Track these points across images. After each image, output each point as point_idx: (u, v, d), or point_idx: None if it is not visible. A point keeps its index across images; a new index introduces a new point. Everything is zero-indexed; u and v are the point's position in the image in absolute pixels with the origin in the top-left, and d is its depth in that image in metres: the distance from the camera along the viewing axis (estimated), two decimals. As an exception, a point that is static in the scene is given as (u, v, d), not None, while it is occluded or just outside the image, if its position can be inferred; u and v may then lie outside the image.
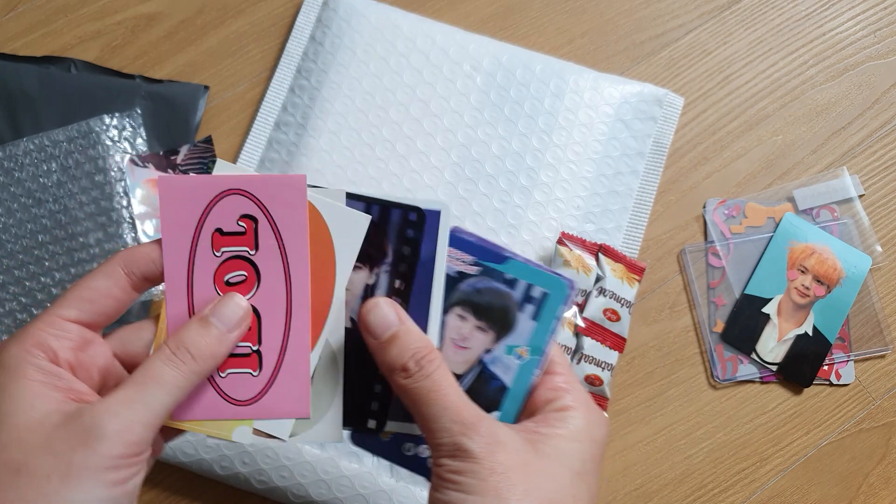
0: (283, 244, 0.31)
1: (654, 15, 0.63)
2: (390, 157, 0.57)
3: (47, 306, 0.33)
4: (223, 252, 0.31)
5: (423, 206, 0.32)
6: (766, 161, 0.60)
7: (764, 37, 0.62)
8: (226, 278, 0.32)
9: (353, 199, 0.32)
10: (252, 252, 0.32)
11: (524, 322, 0.33)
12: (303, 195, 0.31)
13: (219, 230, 0.31)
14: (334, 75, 0.58)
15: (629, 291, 0.55)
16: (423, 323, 0.32)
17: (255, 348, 0.32)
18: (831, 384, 0.56)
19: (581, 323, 0.53)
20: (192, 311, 0.32)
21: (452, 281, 0.33)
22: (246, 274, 0.32)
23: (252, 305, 0.32)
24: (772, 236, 0.57)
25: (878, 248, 0.58)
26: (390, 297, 0.32)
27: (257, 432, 0.32)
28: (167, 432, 0.33)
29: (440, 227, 0.33)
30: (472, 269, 0.33)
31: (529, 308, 0.34)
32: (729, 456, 0.55)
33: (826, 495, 0.54)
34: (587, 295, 0.54)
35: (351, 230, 0.32)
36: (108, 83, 0.59)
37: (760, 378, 0.56)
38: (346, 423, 0.33)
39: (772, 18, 0.63)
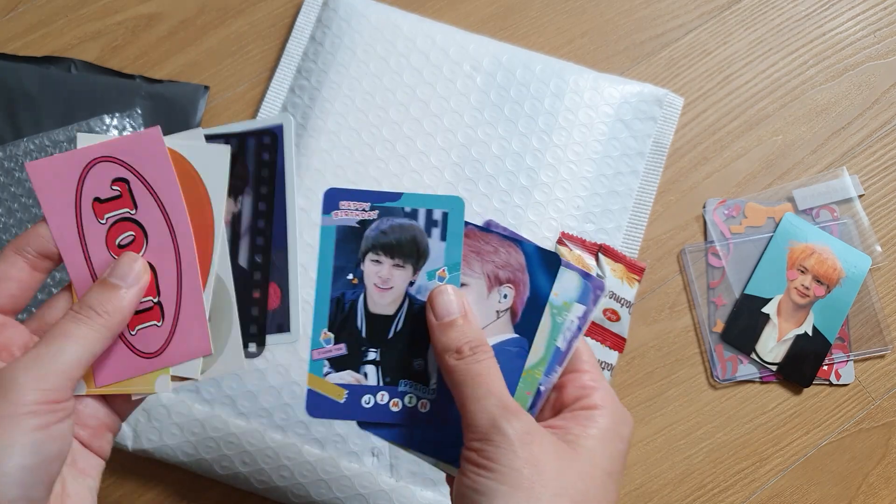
0: (157, 196, 0.33)
1: (654, 15, 0.63)
2: (390, 157, 0.57)
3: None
4: (107, 218, 0.33)
5: (271, 124, 0.33)
6: (766, 161, 0.60)
7: (764, 37, 0.62)
8: (117, 241, 0.33)
9: (210, 138, 0.33)
10: (133, 212, 0.33)
11: (435, 245, 0.34)
12: (161, 146, 0.33)
13: (97, 199, 0.33)
14: (334, 75, 0.58)
15: (629, 291, 0.55)
16: (283, 234, 0.33)
17: (156, 300, 0.33)
18: (831, 384, 0.56)
19: (581, 323, 0.53)
20: (94, 279, 0.33)
21: (356, 231, 0.34)
22: (133, 233, 0.33)
23: (147, 262, 0.33)
24: (772, 236, 0.57)
25: (878, 248, 0.58)
26: (255, 221, 0.33)
27: (174, 378, 0.33)
28: (113, 403, 0.34)
29: (284, 139, 0.33)
30: (372, 214, 0.34)
31: (436, 231, 0.34)
32: (729, 456, 0.55)
33: (826, 495, 0.54)
34: (587, 295, 0.54)
35: (216, 164, 0.33)
36: (108, 83, 0.59)
37: (760, 378, 0.56)
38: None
39: (772, 18, 0.63)
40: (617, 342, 0.54)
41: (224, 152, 0.33)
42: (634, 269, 0.55)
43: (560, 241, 0.54)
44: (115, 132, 0.57)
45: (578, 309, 0.35)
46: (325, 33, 0.60)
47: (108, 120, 0.57)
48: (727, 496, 0.54)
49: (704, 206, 0.59)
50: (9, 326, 0.32)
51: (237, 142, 0.33)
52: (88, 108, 0.57)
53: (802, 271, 0.56)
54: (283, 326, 0.33)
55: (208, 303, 0.33)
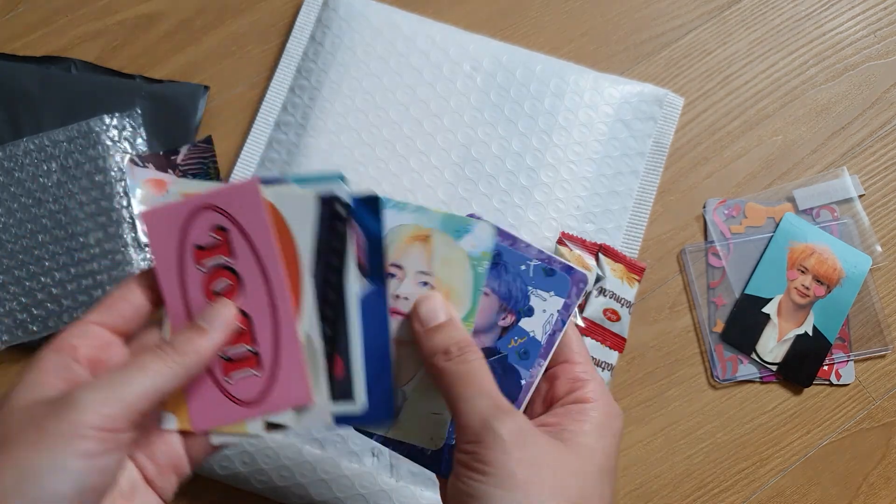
0: (254, 246, 0.33)
1: (655, 15, 0.63)
2: (390, 157, 0.57)
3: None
4: (206, 265, 0.34)
5: (354, 195, 0.33)
6: (767, 161, 0.60)
7: (764, 37, 0.62)
8: (213, 289, 0.34)
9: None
10: (231, 260, 0.33)
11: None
12: (258, 196, 0.33)
13: (198, 246, 0.34)
14: (334, 75, 0.58)
15: (629, 291, 0.55)
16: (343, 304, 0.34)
17: (253, 350, 0.33)
18: (831, 384, 0.56)
19: (581, 323, 0.53)
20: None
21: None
22: (230, 282, 0.33)
23: (242, 310, 0.33)
24: (772, 236, 0.57)
25: (878, 248, 0.58)
26: (325, 291, 0.34)
27: (269, 426, 0.34)
28: (191, 448, 0.34)
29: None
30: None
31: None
32: (729, 456, 0.55)
33: (826, 495, 0.54)
34: (587, 295, 0.54)
35: (302, 212, 0.33)
36: (108, 83, 0.59)
37: (760, 378, 0.56)
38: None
39: (772, 18, 0.63)
40: (617, 342, 0.54)
41: (309, 199, 0.33)
42: (634, 269, 0.55)
43: (560, 241, 0.54)
44: (114, 132, 0.57)
45: (557, 302, 0.35)
46: (325, 33, 0.60)
47: (108, 120, 0.57)
48: (727, 496, 0.54)
49: (704, 206, 0.59)
50: (114, 346, 0.32)
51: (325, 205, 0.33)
52: (88, 108, 0.57)
53: (803, 271, 0.56)
54: (347, 394, 0.33)
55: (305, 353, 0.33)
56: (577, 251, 0.54)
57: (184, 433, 0.33)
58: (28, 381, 0.30)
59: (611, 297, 0.54)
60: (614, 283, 0.54)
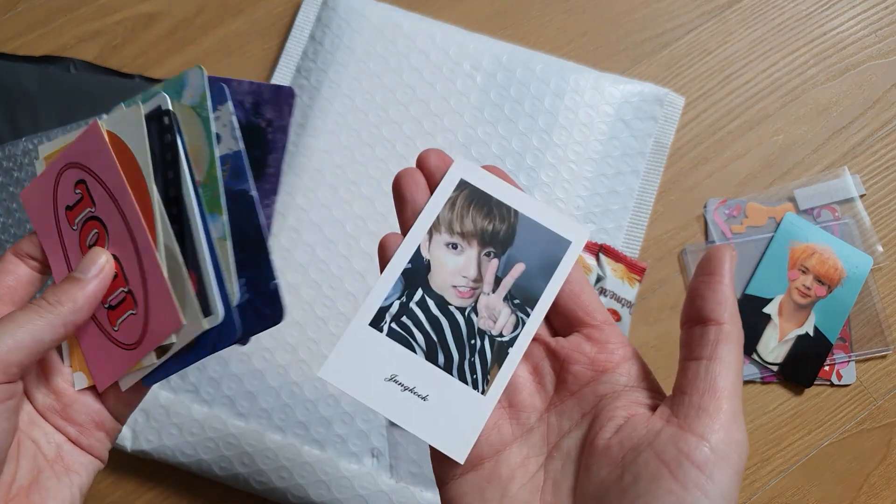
0: (107, 187, 0.33)
1: (655, 14, 0.63)
2: (390, 156, 0.57)
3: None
4: (77, 222, 0.34)
5: (164, 106, 0.32)
6: (767, 161, 0.60)
7: (765, 36, 0.62)
8: (87, 242, 0.34)
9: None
10: (93, 209, 0.33)
11: None
12: (101, 137, 0.33)
13: (67, 206, 0.34)
14: (334, 75, 0.58)
15: (630, 291, 0.54)
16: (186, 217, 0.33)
17: (126, 290, 0.33)
18: (832, 384, 0.56)
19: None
20: None
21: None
22: (97, 230, 0.34)
23: (113, 254, 0.33)
24: (773, 236, 0.57)
25: (880, 248, 0.58)
26: (169, 209, 0.33)
27: (157, 351, 0.33)
28: (106, 402, 0.34)
29: (178, 120, 0.33)
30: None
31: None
32: (730, 456, 0.55)
33: (827, 495, 0.54)
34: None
35: (136, 131, 0.33)
36: (107, 83, 0.59)
37: (761, 378, 0.56)
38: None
39: (772, 18, 0.63)
40: (617, 342, 0.54)
41: (137, 116, 0.33)
42: (635, 269, 0.55)
43: (560, 241, 0.54)
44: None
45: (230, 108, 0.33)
46: (324, 32, 0.60)
47: (107, 119, 0.57)
48: (728, 497, 0.54)
49: (705, 206, 0.59)
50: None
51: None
52: (87, 108, 0.57)
53: (804, 271, 0.56)
54: (207, 311, 0.32)
55: (166, 274, 0.33)
56: (578, 251, 0.54)
57: (95, 390, 0.34)
58: None
59: (611, 297, 0.54)
60: (615, 283, 0.54)
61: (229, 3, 0.62)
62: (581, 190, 0.57)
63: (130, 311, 0.33)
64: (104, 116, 0.34)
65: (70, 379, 0.34)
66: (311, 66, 0.59)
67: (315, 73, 0.59)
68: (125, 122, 0.33)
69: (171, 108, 0.32)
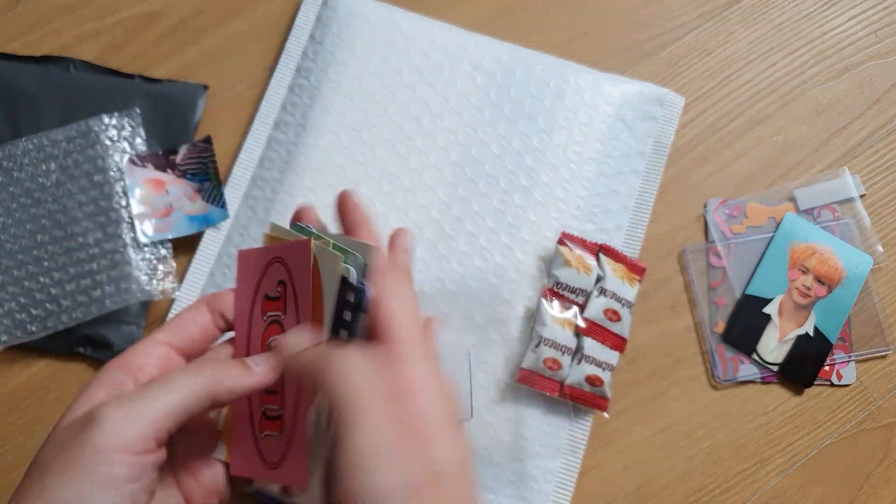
0: (297, 303, 0.33)
1: (655, 14, 0.63)
2: (390, 156, 0.57)
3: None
4: (268, 317, 0.34)
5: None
6: (767, 161, 0.60)
7: (764, 36, 0.62)
8: (268, 342, 0.33)
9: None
10: (283, 316, 0.33)
11: None
12: (308, 257, 0.32)
13: (267, 296, 0.34)
14: (334, 74, 0.58)
15: (630, 291, 0.54)
16: None
17: (280, 411, 0.33)
18: (832, 385, 0.56)
19: (581, 323, 0.53)
20: None
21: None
22: (277, 337, 0.33)
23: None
24: (773, 236, 0.57)
25: (880, 248, 0.58)
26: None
27: (283, 489, 0.35)
28: (237, 479, 0.34)
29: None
30: None
31: None
32: (730, 456, 0.55)
33: (827, 495, 0.54)
34: (588, 295, 0.54)
35: (331, 273, 0.32)
36: (107, 83, 0.59)
37: (761, 378, 0.56)
38: None
39: (772, 18, 0.63)
40: (618, 342, 0.54)
41: (335, 266, 0.32)
42: (635, 269, 0.55)
43: (561, 241, 0.54)
44: (113, 132, 0.57)
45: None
46: (324, 32, 0.60)
47: (107, 119, 0.57)
48: (728, 497, 0.54)
49: (705, 206, 0.59)
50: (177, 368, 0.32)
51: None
52: (87, 108, 0.57)
53: (804, 271, 0.56)
54: None
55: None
56: (578, 251, 0.54)
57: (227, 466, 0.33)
58: (81, 397, 0.29)
59: (611, 298, 0.54)
60: (615, 283, 0.54)
61: (229, 3, 0.62)
62: (581, 190, 0.57)
63: (277, 432, 0.33)
64: (312, 230, 0.34)
65: (213, 443, 0.33)
66: (311, 66, 0.59)
67: (315, 73, 0.59)
68: (324, 257, 0.33)
69: (359, 286, 0.32)
